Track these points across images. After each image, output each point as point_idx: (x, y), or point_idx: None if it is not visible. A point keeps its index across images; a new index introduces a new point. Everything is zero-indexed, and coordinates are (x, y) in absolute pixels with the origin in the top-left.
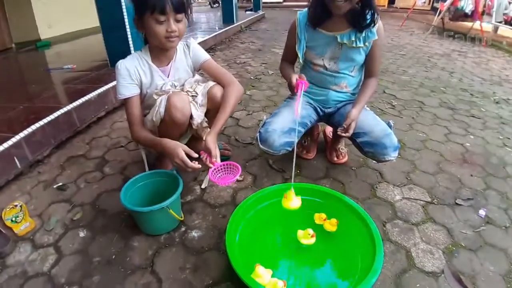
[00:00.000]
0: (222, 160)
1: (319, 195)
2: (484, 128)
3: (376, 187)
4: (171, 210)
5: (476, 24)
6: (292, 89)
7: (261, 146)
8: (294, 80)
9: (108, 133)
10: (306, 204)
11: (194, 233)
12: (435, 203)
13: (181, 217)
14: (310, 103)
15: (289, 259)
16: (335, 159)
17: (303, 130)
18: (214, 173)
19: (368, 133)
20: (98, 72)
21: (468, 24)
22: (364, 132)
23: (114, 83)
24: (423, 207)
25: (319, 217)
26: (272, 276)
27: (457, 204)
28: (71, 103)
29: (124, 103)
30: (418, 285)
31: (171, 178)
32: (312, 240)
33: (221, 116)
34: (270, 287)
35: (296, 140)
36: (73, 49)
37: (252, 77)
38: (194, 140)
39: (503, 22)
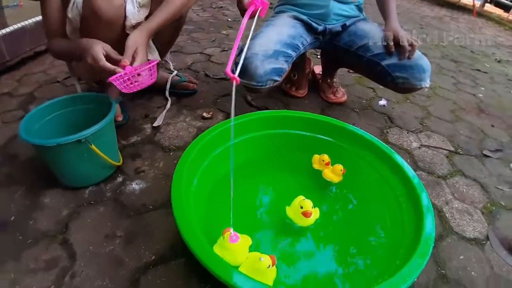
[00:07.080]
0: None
1: (319, 128)
2: (492, 82)
3: (387, 132)
4: (93, 146)
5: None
6: (243, 10)
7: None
8: None
9: (46, 69)
10: (300, 142)
11: (135, 185)
12: (460, 153)
13: (118, 162)
14: (301, 20)
15: (274, 233)
16: (332, 96)
17: (293, 54)
18: (124, 81)
19: (400, 54)
20: None
21: None
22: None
23: None
24: (447, 157)
25: (319, 160)
26: (252, 249)
27: (485, 155)
28: None
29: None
30: (461, 256)
31: (103, 104)
32: (310, 219)
33: (159, 14)
34: (248, 265)
35: (286, 66)
36: None
37: (229, 19)
38: None
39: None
